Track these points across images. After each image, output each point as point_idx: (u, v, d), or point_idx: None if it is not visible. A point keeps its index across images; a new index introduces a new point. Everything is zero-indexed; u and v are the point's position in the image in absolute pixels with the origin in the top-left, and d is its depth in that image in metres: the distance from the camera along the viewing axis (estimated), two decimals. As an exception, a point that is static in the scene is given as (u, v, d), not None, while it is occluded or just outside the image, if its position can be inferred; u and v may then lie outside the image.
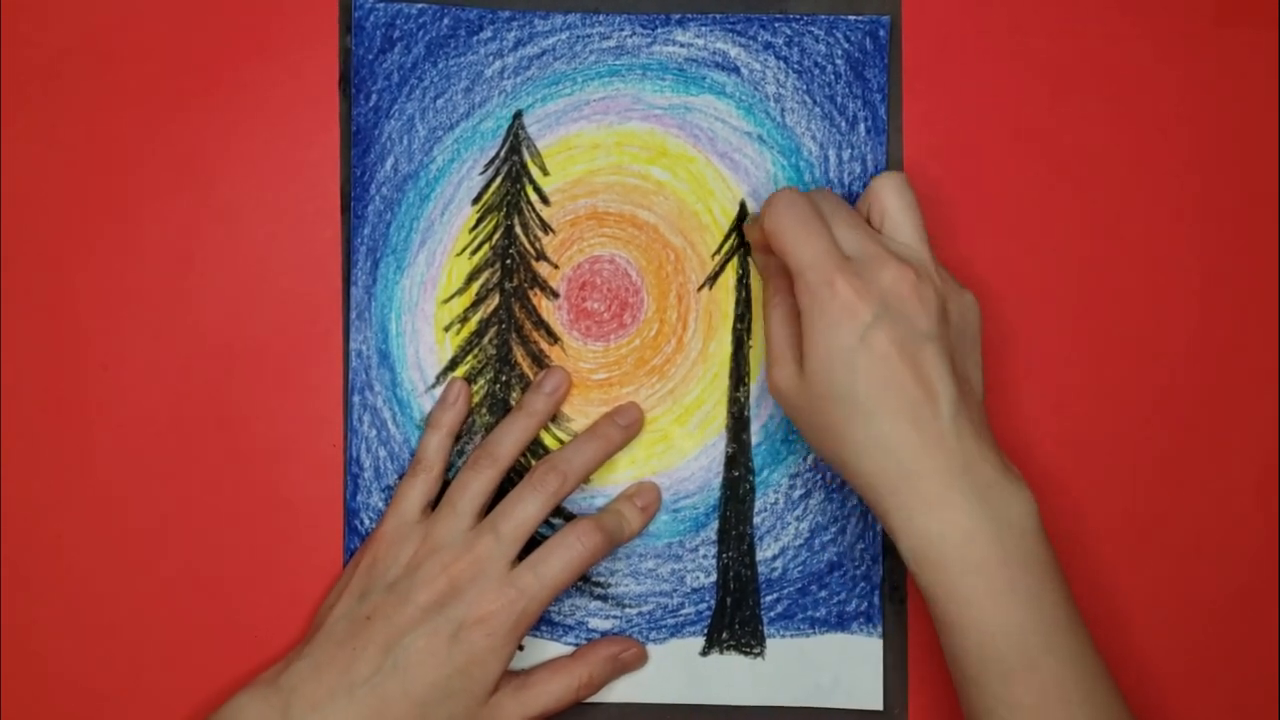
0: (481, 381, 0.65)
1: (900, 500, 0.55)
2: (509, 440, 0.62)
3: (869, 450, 0.55)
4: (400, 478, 0.64)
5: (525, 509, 0.60)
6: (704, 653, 0.64)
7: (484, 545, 0.60)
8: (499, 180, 0.65)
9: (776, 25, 0.65)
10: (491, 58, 0.65)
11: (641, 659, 0.64)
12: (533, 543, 0.61)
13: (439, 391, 0.64)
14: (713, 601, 0.64)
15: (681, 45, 0.65)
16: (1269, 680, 0.63)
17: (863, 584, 0.64)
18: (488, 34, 0.65)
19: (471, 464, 0.62)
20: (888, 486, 0.55)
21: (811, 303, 0.56)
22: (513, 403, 0.64)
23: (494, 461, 0.62)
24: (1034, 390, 0.65)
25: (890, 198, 0.58)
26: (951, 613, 0.55)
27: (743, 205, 0.65)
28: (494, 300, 0.65)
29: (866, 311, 0.55)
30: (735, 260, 0.65)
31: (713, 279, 0.65)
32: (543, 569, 0.60)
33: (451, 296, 0.65)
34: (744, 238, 0.65)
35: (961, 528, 0.54)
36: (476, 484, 0.61)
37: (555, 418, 0.65)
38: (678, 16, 0.65)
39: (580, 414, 0.65)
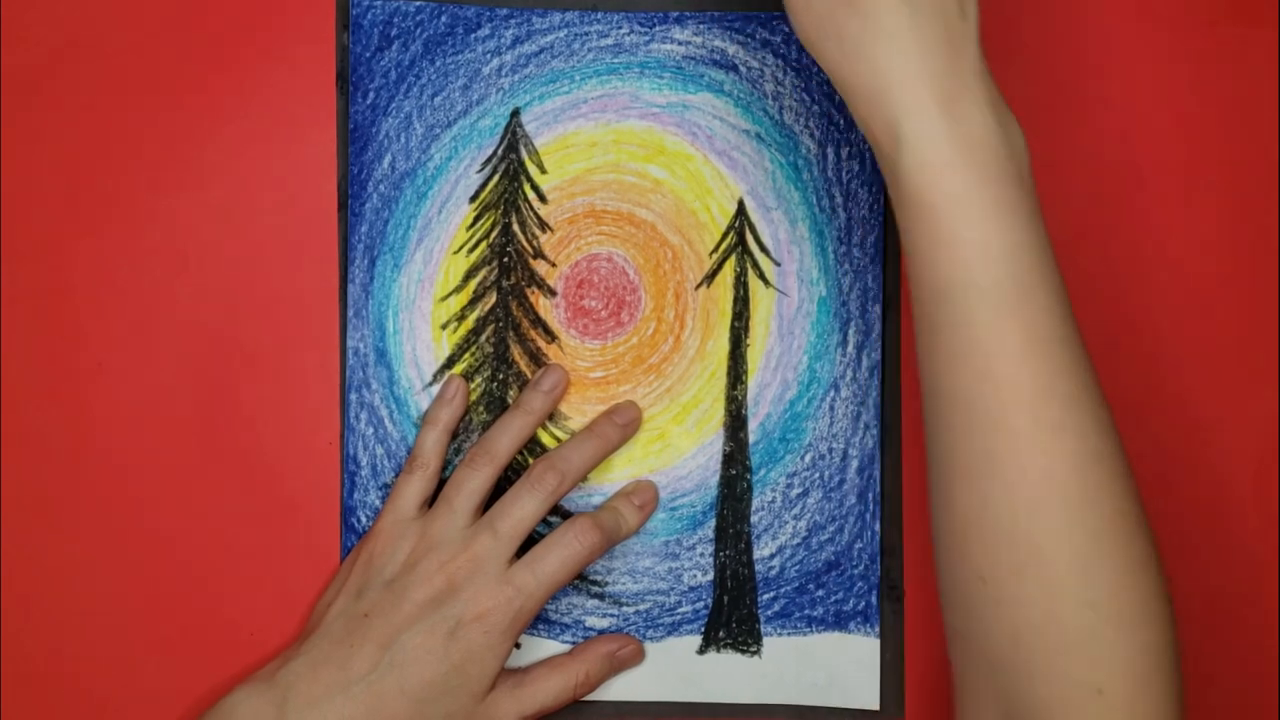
0: (479, 379, 0.65)
1: (918, 99, 0.51)
2: (506, 438, 0.62)
3: (897, 35, 0.51)
4: (397, 475, 0.64)
5: (523, 507, 0.60)
6: (701, 651, 0.64)
7: (481, 543, 0.60)
8: (496, 178, 0.65)
9: (775, 23, 0.65)
10: (489, 55, 0.65)
11: (639, 656, 0.64)
12: (529, 540, 0.61)
13: (436, 389, 0.64)
14: (710, 600, 0.64)
15: (679, 43, 0.65)
16: (1267, 685, 0.63)
17: (860, 583, 0.64)
18: (485, 31, 0.65)
19: (469, 462, 0.62)
20: (906, 76, 0.51)
21: None
22: (510, 401, 0.64)
23: (491, 459, 0.62)
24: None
25: None
26: (954, 231, 0.51)
27: (740, 203, 0.65)
28: (491, 298, 0.65)
29: None
30: (733, 258, 0.65)
31: (710, 277, 0.65)
32: (540, 567, 0.60)
33: (449, 294, 0.65)
34: (741, 235, 0.65)
35: (978, 129, 0.51)
36: (474, 482, 0.61)
37: (552, 416, 0.64)
38: (675, 14, 0.65)
39: (578, 412, 0.65)
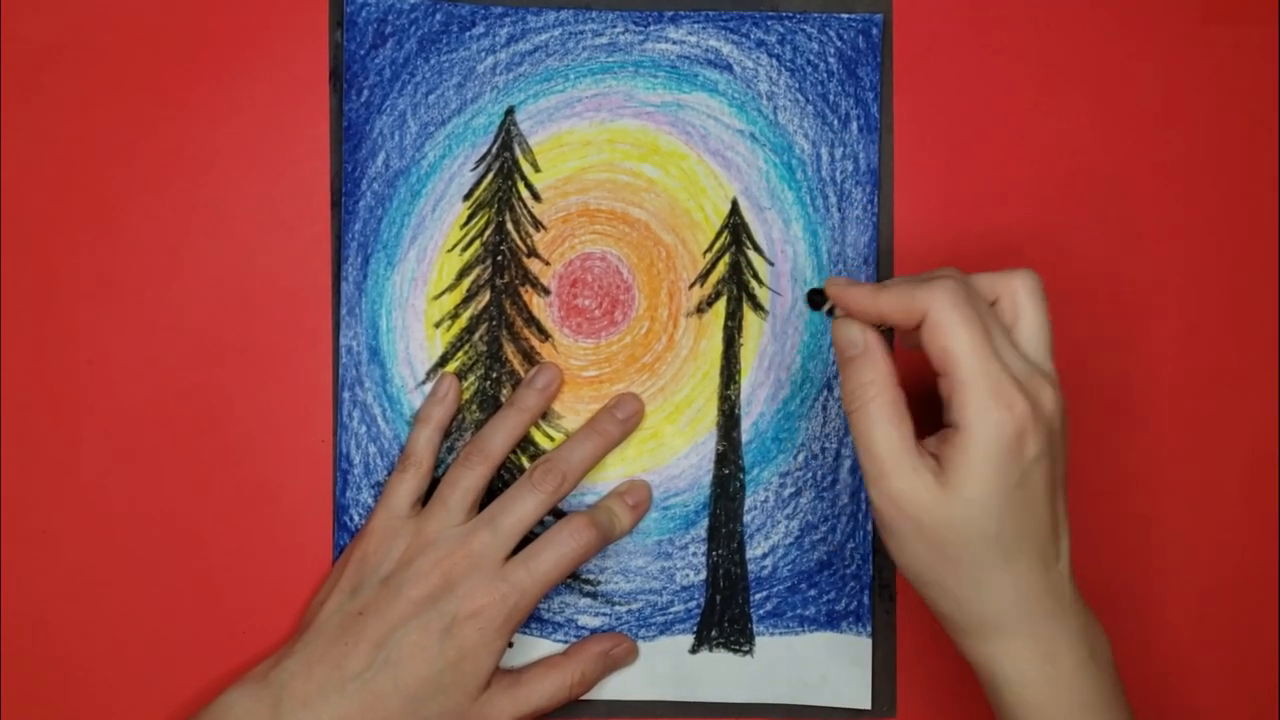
0: (472, 378, 0.65)
1: (1015, 645, 0.53)
2: (500, 436, 0.62)
3: (997, 591, 0.53)
4: (390, 474, 0.64)
5: (524, 505, 0.60)
6: (693, 650, 0.64)
7: (480, 539, 0.59)
8: (490, 176, 0.65)
9: (769, 23, 0.65)
10: (484, 53, 0.65)
11: (632, 654, 0.64)
12: (523, 541, 0.61)
13: (429, 387, 0.64)
14: (702, 599, 0.64)
15: (674, 42, 0.65)
16: (1267, 685, 0.64)
17: (852, 583, 0.64)
18: (480, 29, 0.65)
19: (463, 460, 0.62)
20: (1005, 628, 0.53)
21: (984, 423, 0.51)
22: (503, 399, 0.64)
23: (485, 458, 0.62)
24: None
25: (1027, 301, 0.54)
26: None
27: (734, 203, 0.65)
28: (485, 297, 0.65)
29: (1034, 445, 0.51)
30: (726, 258, 0.65)
31: (704, 276, 0.65)
32: (534, 564, 0.60)
33: (442, 293, 0.65)
34: (735, 235, 0.65)
35: (1068, 668, 0.53)
36: (468, 480, 0.61)
37: (546, 414, 0.64)
38: (670, 14, 0.65)
39: (571, 411, 0.65)
